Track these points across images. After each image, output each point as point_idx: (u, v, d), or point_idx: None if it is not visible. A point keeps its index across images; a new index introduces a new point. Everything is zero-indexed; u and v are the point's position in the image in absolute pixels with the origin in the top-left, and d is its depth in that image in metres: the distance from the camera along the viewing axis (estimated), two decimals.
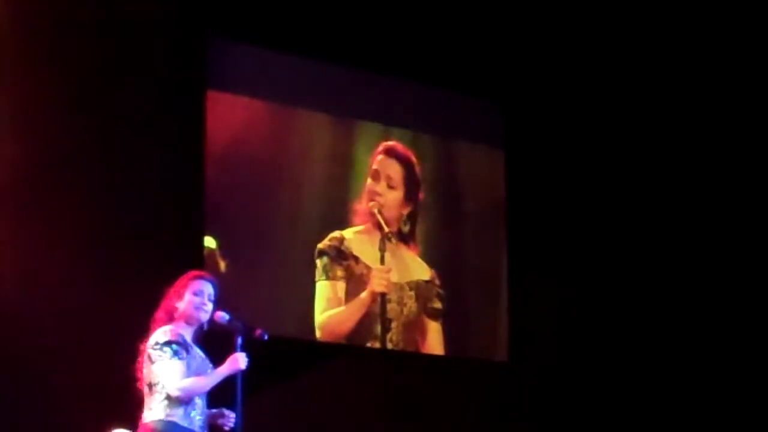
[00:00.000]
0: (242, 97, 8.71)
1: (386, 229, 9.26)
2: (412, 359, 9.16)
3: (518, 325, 9.60)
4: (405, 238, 9.36)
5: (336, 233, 9.01)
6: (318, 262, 8.88)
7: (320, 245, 8.91)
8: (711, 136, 9.63)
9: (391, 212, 9.30)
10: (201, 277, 5.96)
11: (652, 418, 9.37)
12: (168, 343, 5.65)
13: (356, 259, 9.06)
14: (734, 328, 9.33)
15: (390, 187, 9.34)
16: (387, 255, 9.20)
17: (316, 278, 8.86)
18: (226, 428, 5.81)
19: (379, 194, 9.28)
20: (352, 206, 9.16)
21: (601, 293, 9.67)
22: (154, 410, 5.64)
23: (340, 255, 8.97)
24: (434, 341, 9.33)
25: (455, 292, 9.52)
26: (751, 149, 9.57)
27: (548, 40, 9.71)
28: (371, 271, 9.11)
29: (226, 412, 5.81)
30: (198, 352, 5.79)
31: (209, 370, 5.77)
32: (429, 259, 9.45)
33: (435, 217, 9.58)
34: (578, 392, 9.50)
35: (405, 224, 9.37)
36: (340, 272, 8.95)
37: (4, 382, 7.22)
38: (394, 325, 9.13)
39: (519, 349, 9.56)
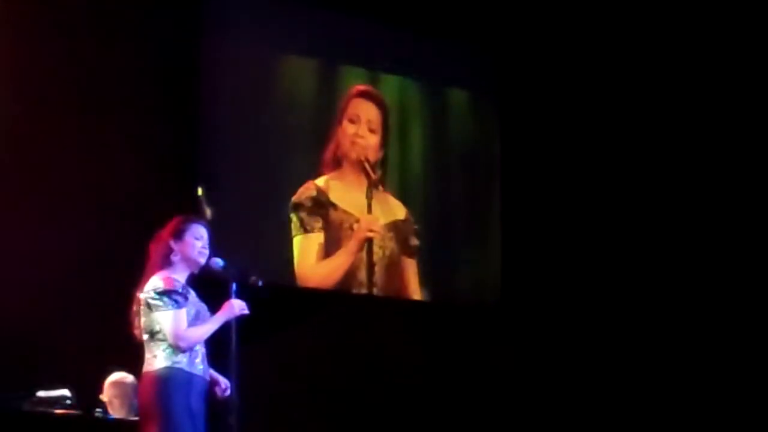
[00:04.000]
0: (234, 43, 8.62)
1: (373, 177, 9.17)
2: (403, 304, 9.17)
3: (508, 267, 9.63)
4: (381, 181, 9.25)
5: (309, 183, 8.88)
6: (293, 216, 8.74)
7: (294, 198, 8.77)
8: (708, 104, 9.56)
9: (374, 157, 9.18)
10: (199, 222, 5.94)
11: (644, 361, 9.40)
12: (167, 292, 5.65)
13: (334, 206, 8.94)
14: (726, 280, 9.35)
15: (371, 131, 9.23)
16: (374, 203, 9.14)
17: (293, 233, 8.72)
18: (221, 396, 5.82)
19: (361, 137, 9.16)
20: (324, 150, 9.01)
21: (594, 237, 9.69)
22: (158, 358, 5.65)
23: (317, 204, 8.85)
24: (412, 278, 9.23)
25: (443, 236, 9.49)
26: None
27: None
28: (359, 220, 9.02)
29: (222, 380, 5.82)
30: (195, 297, 5.79)
31: (206, 314, 5.77)
32: (412, 202, 9.37)
33: (423, 162, 9.51)
34: (568, 335, 9.54)
35: (380, 168, 9.25)
36: (318, 223, 8.82)
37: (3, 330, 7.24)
38: (377, 268, 9.06)
39: (509, 291, 9.59)
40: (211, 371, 5.83)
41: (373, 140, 9.22)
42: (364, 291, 8.98)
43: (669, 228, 9.56)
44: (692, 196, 9.51)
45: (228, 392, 5.80)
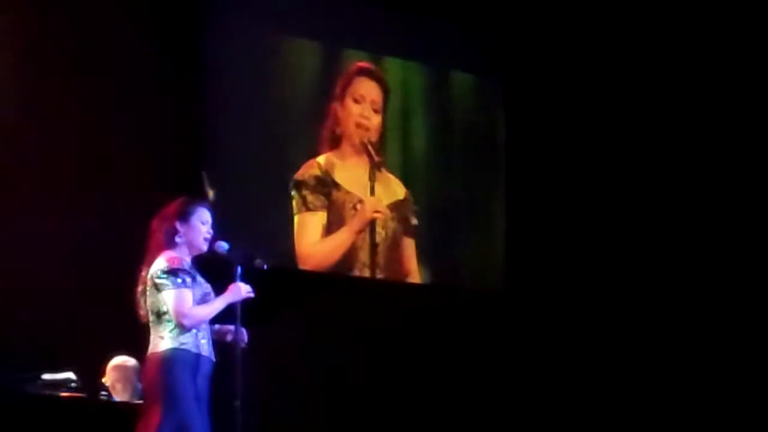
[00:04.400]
0: (237, 25, 8.59)
1: (377, 159, 9.15)
2: (408, 287, 9.18)
3: (512, 252, 9.62)
4: (383, 162, 9.21)
5: (312, 161, 8.84)
6: (295, 193, 8.72)
7: (297, 176, 8.74)
8: (712, 93, 9.52)
9: (376, 138, 9.15)
10: (203, 204, 5.95)
11: (648, 347, 9.40)
12: (174, 272, 5.64)
13: (338, 186, 8.92)
14: (729, 264, 9.36)
15: (375, 111, 9.18)
16: (377, 185, 9.12)
17: (295, 211, 8.69)
18: (242, 344, 5.80)
19: (366, 118, 9.11)
20: (321, 128, 8.97)
21: (600, 222, 9.67)
22: (165, 339, 5.64)
23: (321, 183, 8.82)
24: (411, 257, 9.21)
25: (445, 219, 9.48)
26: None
27: None
28: (362, 200, 9.01)
29: (232, 327, 5.81)
30: (200, 279, 5.79)
31: (211, 295, 5.78)
32: (414, 184, 9.36)
33: (426, 144, 9.49)
34: (574, 323, 9.53)
35: (382, 147, 9.23)
36: (320, 202, 8.80)
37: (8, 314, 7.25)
38: (379, 249, 9.05)
39: (513, 277, 9.59)
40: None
41: (377, 121, 9.18)
42: (366, 272, 8.96)
43: (678, 214, 9.52)
44: (700, 182, 9.48)
45: (240, 340, 5.77)
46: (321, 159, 8.89)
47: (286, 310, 8.03)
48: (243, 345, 5.78)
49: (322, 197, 8.82)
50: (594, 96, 9.74)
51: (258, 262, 5.95)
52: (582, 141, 9.75)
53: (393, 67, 9.37)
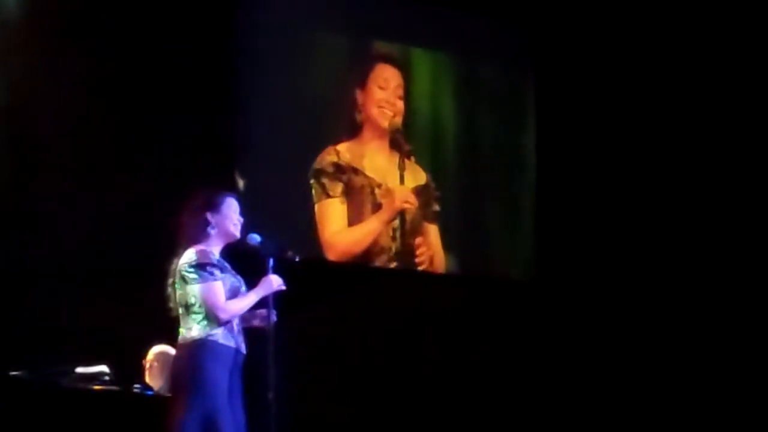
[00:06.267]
0: (269, 16, 8.61)
1: (407, 147, 9.15)
2: (438, 278, 9.15)
3: (543, 242, 9.58)
4: (412, 151, 9.21)
5: (330, 148, 8.82)
6: (314, 182, 8.70)
7: (315, 165, 8.74)
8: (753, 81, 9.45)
9: (401, 124, 9.12)
10: (231, 195, 5.96)
11: (678, 338, 9.35)
12: (203, 265, 5.64)
13: (355, 171, 8.89)
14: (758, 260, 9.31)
15: (399, 97, 9.15)
16: (406, 173, 9.10)
17: (315, 199, 8.69)
18: (266, 324, 5.81)
19: (392, 104, 9.09)
20: (343, 114, 8.94)
21: (632, 212, 9.61)
22: (193, 330, 5.65)
23: (339, 169, 8.79)
24: (435, 243, 9.18)
25: (474, 209, 9.47)
26: None
27: None
28: (380, 185, 8.96)
29: (259, 311, 5.82)
30: (231, 270, 5.80)
31: (242, 287, 5.78)
32: (443, 175, 9.34)
33: (455, 136, 9.47)
34: (606, 315, 9.48)
35: (407, 135, 9.20)
36: (339, 188, 8.77)
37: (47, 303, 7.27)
38: (401, 235, 8.99)
39: (543, 267, 9.55)
40: None
41: (401, 107, 9.15)
42: (393, 260, 8.94)
43: (714, 201, 9.46)
44: (738, 169, 9.40)
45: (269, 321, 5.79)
46: (340, 146, 8.88)
47: (317, 301, 8.02)
48: (269, 326, 5.79)
49: (340, 183, 8.80)
50: (626, 83, 9.67)
51: (290, 254, 5.95)
52: (614, 129, 9.69)
53: (422, 57, 9.34)
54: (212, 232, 5.77)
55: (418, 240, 9.09)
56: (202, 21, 8.18)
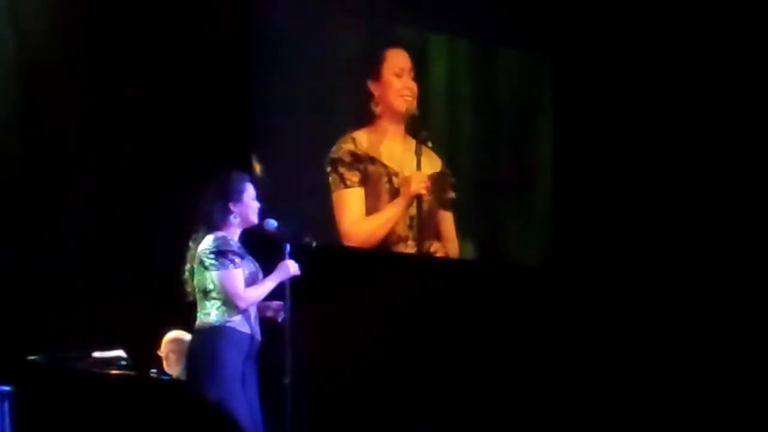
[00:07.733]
0: (286, 3, 8.61)
1: (425, 133, 9.13)
2: (454, 264, 9.14)
3: (559, 227, 9.55)
4: (427, 136, 9.16)
5: (347, 137, 8.78)
6: (331, 171, 8.65)
7: (332, 154, 8.68)
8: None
9: (419, 111, 9.05)
10: (249, 180, 6.01)
11: (693, 323, 9.33)
12: (224, 253, 5.71)
13: (372, 159, 8.83)
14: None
15: (412, 79, 9.04)
16: (423, 158, 9.06)
17: (332, 189, 8.65)
18: (279, 319, 5.84)
19: (410, 89, 9.01)
20: (361, 104, 8.88)
21: (648, 197, 9.58)
22: (211, 316, 5.69)
23: (356, 158, 8.75)
24: (450, 230, 9.15)
25: (490, 195, 9.40)
26: None
27: None
28: (398, 173, 8.90)
29: (273, 303, 5.85)
30: (249, 257, 5.83)
31: (260, 274, 5.80)
32: (459, 160, 9.30)
33: (471, 119, 9.39)
34: (622, 302, 9.45)
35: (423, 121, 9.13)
36: (356, 177, 8.73)
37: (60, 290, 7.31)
38: (417, 222, 8.93)
39: (559, 252, 9.52)
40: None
41: (416, 89, 9.07)
42: (410, 247, 8.91)
43: (738, 188, 9.41)
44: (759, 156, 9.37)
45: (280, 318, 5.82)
46: (357, 134, 8.84)
47: (334, 287, 8.03)
48: (281, 319, 5.82)
49: (357, 172, 8.77)
50: (643, 69, 9.62)
51: (307, 239, 5.98)
52: (630, 115, 9.62)
53: (439, 43, 9.29)
54: (235, 221, 5.83)
55: (435, 246, 9.08)
56: (220, 7, 8.18)
